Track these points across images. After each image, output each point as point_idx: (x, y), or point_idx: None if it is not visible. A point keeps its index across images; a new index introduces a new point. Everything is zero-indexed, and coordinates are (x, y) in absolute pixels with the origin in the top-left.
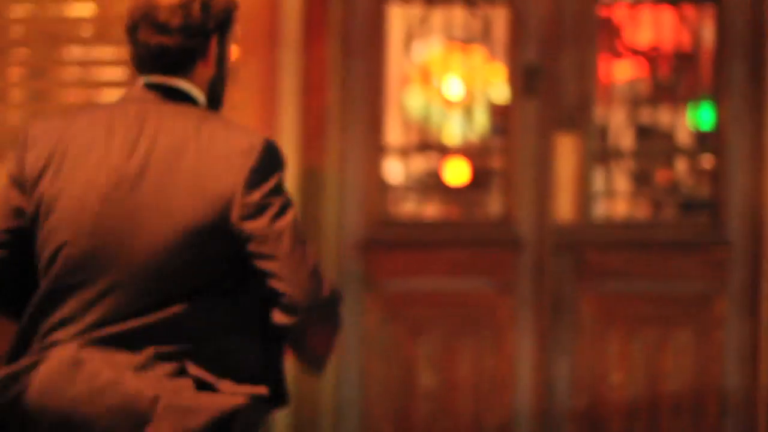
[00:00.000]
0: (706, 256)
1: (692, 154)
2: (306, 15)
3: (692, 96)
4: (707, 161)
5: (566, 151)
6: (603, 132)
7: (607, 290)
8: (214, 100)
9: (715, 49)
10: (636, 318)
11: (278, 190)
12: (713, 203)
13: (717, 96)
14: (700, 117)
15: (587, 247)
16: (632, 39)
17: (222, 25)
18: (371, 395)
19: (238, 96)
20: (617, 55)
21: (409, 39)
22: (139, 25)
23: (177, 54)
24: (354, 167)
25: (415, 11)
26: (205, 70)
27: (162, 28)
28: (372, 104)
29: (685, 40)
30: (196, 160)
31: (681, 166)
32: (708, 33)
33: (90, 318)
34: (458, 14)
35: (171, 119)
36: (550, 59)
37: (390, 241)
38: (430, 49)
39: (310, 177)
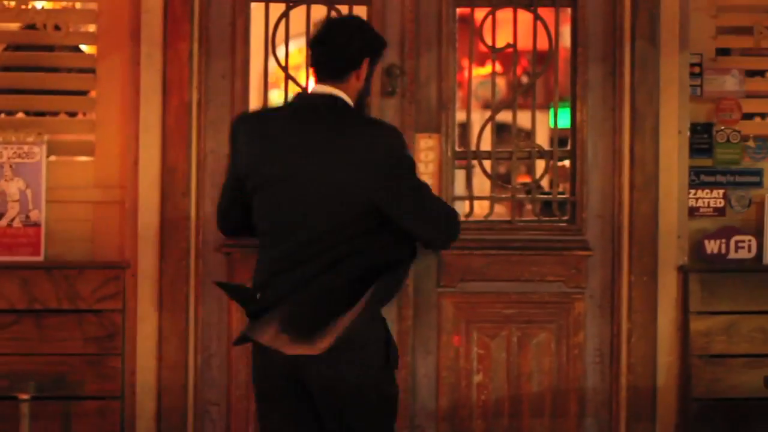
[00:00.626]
0: (565, 257)
1: (551, 156)
2: (168, 11)
3: (551, 97)
4: (566, 163)
5: (427, 152)
6: (463, 133)
7: (469, 291)
8: (361, 108)
9: (573, 51)
10: (497, 319)
11: (406, 168)
12: (572, 204)
13: (575, 98)
14: (559, 118)
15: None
16: (492, 40)
17: (373, 51)
18: (236, 393)
19: (101, 91)
20: (477, 56)
21: (272, 38)
22: (315, 41)
23: (337, 62)
24: (216, 167)
25: (277, 10)
26: (357, 83)
27: (329, 43)
28: (235, 103)
29: (544, 42)
30: (339, 155)
31: (540, 167)
32: (566, 35)
33: None
34: (320, 13)
35: (323, 119)
36: (410, 60)
37: (252, 241)
38: (294, 49)
39: (171, 175)
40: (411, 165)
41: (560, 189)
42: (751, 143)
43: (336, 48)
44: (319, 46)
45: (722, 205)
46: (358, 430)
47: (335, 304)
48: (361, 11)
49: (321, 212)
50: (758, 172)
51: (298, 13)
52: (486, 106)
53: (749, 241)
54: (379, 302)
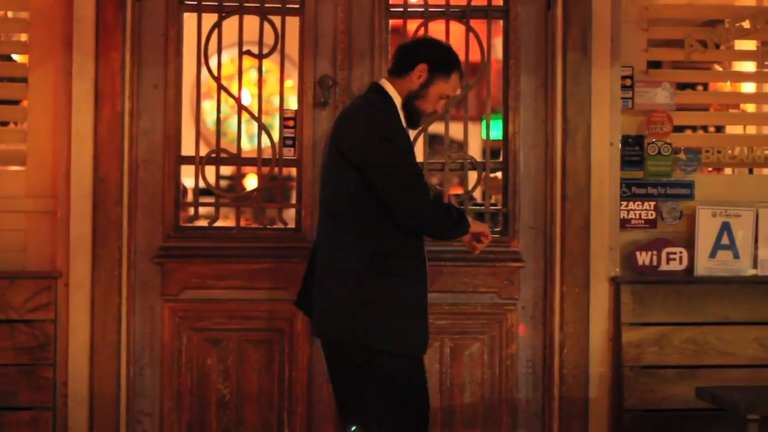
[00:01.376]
0: (498, 268)
1: (484, 167)
2: (100, 21)
3: (483, 109)
4: (498, 174)
5: None
6: None
7: None
8: (407, 106)
9: (505, 63)
10: (430, 330)
11: (378, 148)
12: (504, 216)
13: (507, 109)
14: (492, 130)
15: None
16: None
17: (431, 62)
18: (168, 403)
19: (33, 100)
20: None
21: (204, 48)
22: None
23: (396, 60)
24: (148, 176)
25: (210, 20)
26: (408, 84)
27: (401, 46)
28: (167, 113)
29: (477, 54)
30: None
31: (473, 178)
32: (499, 47)
33: None
34: (252, 24)
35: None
36: (343, 71)
37: (186, 250)
38: (226, 59)
39: (103, 185)
40: (386, 145)
41: (492, 200)
42: (682, 156)
43: (401, 49)
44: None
45: (654, 217)
46: None
47: None
48: (293, 22)
49: (326, 191)
50: (689, 185)
51: (230, 24)
52: None
53: (680, 252)
54: None
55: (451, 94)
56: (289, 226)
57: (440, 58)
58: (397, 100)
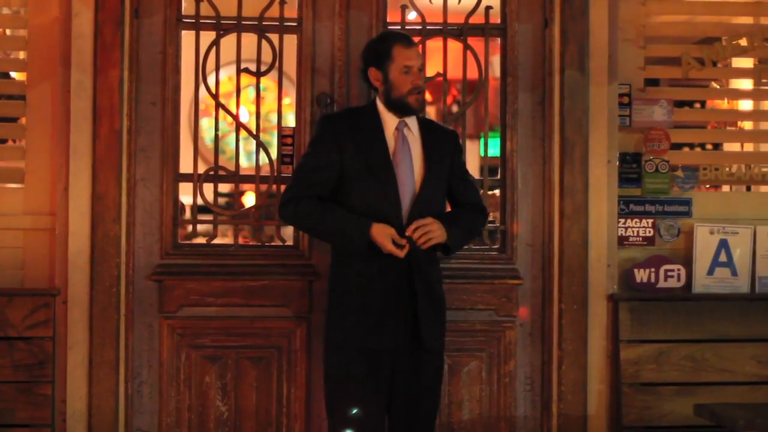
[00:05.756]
0: (496, 285)
1: (482, 185)
2: (99, 38)
3: (481, 126)
4: (496, 192)
5: None
6: None
7: None
8: (394, 107)
9: (503, 80)
10: None
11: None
12: (502, 233)
13: (505, 127)
14: (489, 147)
15: None
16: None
17: (372, 60)
18: (166, 420)
19: (31, 118)
20: None
21: (202, 66)
22: None
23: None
24: (146, 194)
25: (208, 38)
26: (381, 91)
27: None
28: (165, 130)
29: (474, 71)
30: None
31: None
32: (496, 65)
33: None
34: (250, 41)
35: None
36: (340, 89)
37: (184, 267)
38: (224, 77)
39: (102, 202)
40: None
41: (491, 218)
42: (679, 173)
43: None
44: None
45: (651, 234)
46: None
47: None
48: (291, 40)
49: None
50: (687, 202)
51: (228, 42)
52: None
53: (678, 270)
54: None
55: (411, 63)
56: (287, 244)
57: (374, 53)
58: (383, 110)
